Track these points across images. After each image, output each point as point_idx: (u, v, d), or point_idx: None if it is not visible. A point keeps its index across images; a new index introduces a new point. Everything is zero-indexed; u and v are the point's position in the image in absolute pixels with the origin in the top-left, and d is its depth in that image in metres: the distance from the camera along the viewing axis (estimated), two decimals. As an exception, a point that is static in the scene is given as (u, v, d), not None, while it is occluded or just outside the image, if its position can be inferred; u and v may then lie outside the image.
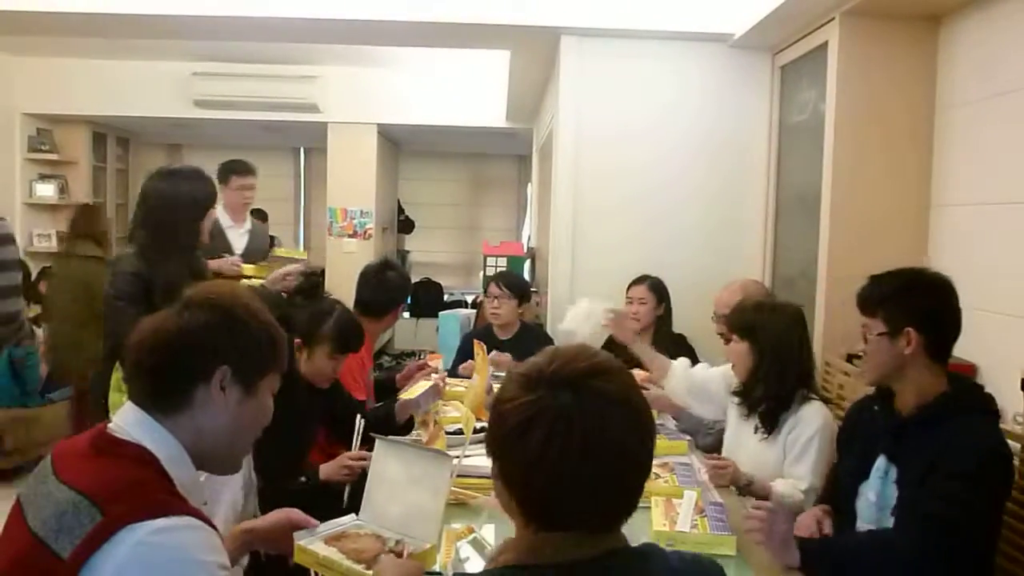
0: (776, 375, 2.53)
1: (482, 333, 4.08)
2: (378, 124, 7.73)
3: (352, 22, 4.21)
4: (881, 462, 2.08)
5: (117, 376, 2.81)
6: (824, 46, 3.54)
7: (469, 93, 7.36)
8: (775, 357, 2.54)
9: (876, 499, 2.07)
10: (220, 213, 4.52)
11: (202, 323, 1.31)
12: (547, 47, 4.46)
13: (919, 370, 2.01)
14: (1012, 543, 2.22)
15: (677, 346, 3.78)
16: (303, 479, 2.50)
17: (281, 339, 1.39)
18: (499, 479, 1.11)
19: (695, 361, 3.77)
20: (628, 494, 1.10)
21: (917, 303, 2.02)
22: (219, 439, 1.33)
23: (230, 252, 4.37)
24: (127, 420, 1.29)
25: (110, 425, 1.29)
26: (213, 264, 4.20)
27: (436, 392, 2.91)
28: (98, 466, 1.23)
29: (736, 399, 2.67)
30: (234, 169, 4.57)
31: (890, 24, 3.34)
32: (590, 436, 1.04)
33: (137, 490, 1.19)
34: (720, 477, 2.45)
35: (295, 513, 1.72)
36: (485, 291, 4.53)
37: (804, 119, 3.86)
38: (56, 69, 7.29)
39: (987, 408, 2.04)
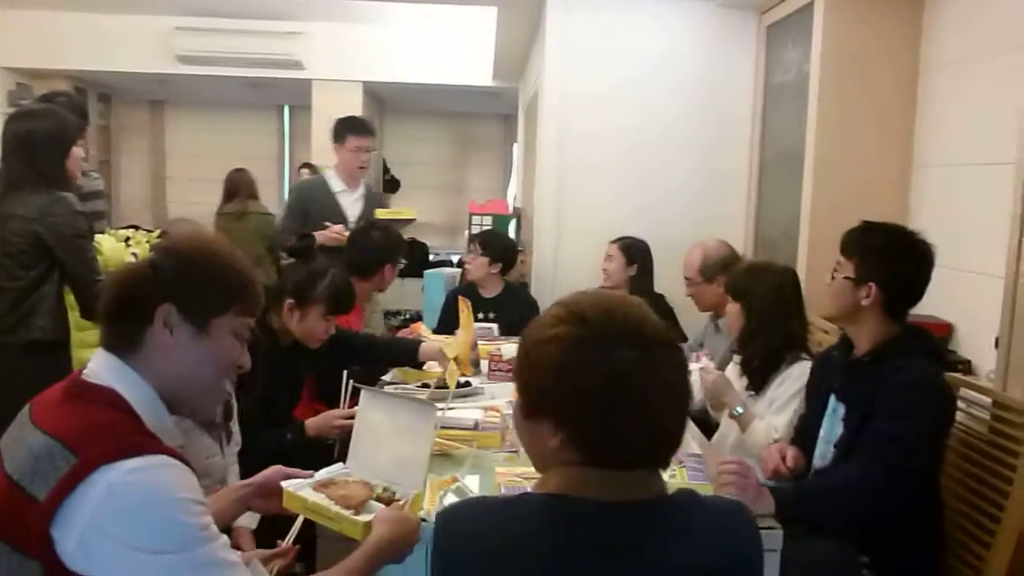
0: (764, 335, 2.60)
1: (466, 291, 4.10)
2: (363, 82, 7.67)
3: (337, -24, 4.16)
4: (831, 400, 2.21)
5: None
6: (810, 6, 3.52)
7: (456, 51, 7.31)
8: (762, 318, 2.60)
9: (824, 434, 2.21)
10: (331, 176, 4.13)
11: (146, 265, 1.34)
12: (534, 4, 4.42)
13: (873, 320, 2.12)
14: (980, 495, 2.27)
15: (655, 307, 3.78)
16: (288, 436, 2.54)
17: (238, 281, 1.36)
18: (558, 431, 1.12)
19: (672, 321, 3.82)
20: (682, 427, 1.18)
21: (890, 265, 2.10)
22: (182, 381, 1.32)
23: (343, 219, 3.98)
24: (99, 365, 1.30)
25: (84, 371, 1.31)
26: (318, 236, 3.75)
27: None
28: (71, 411, 1.24)
29: (736, 358, 2.75)
30: (352, 127, 4.07)
31: (876, -16, 3.33)
32: (663, 380, 1.13)
33: (110, 432, 1.20)
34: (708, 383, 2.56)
35: (289, 471, 1.72)
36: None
37: (789, 79, 3.86)
38: (37, 22, 7.17)
39: (930, 350, 2.14)
